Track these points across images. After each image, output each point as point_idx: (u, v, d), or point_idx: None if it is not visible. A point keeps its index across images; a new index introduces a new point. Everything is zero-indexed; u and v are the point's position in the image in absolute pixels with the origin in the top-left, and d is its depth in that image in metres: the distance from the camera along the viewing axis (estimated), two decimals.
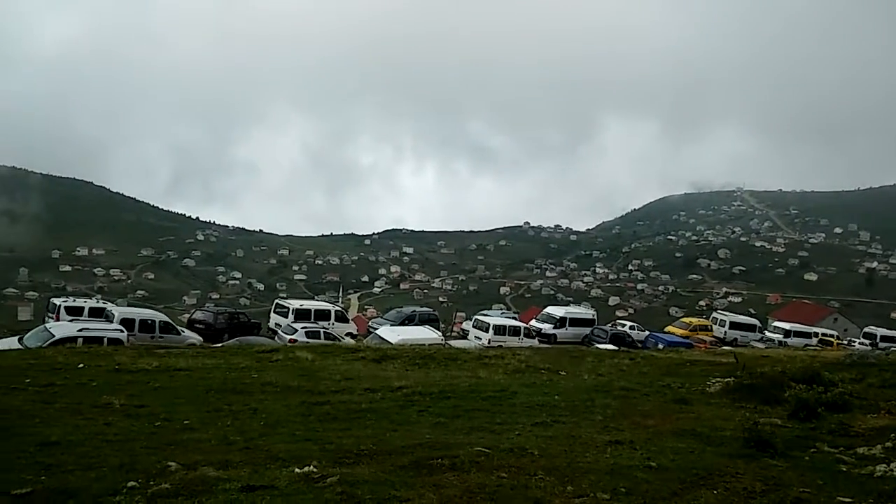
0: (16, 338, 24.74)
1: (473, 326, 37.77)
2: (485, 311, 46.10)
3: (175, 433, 9.90)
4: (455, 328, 44.54)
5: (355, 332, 35.89)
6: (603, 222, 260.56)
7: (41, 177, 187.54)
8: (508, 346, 29.32)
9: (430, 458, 8.40)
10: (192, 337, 29.11)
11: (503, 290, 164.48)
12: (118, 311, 30.67)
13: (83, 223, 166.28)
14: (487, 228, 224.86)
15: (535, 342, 35.03)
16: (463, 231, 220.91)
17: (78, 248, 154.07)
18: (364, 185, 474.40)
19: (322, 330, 31.71)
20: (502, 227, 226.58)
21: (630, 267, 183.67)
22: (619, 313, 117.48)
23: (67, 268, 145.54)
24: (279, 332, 32.05)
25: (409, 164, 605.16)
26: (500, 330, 35.90)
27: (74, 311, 29.52)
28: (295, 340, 28.61)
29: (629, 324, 48.72)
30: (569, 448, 9.55)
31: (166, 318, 30.16)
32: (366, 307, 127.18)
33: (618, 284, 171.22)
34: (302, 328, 30.98)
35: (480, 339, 35.30)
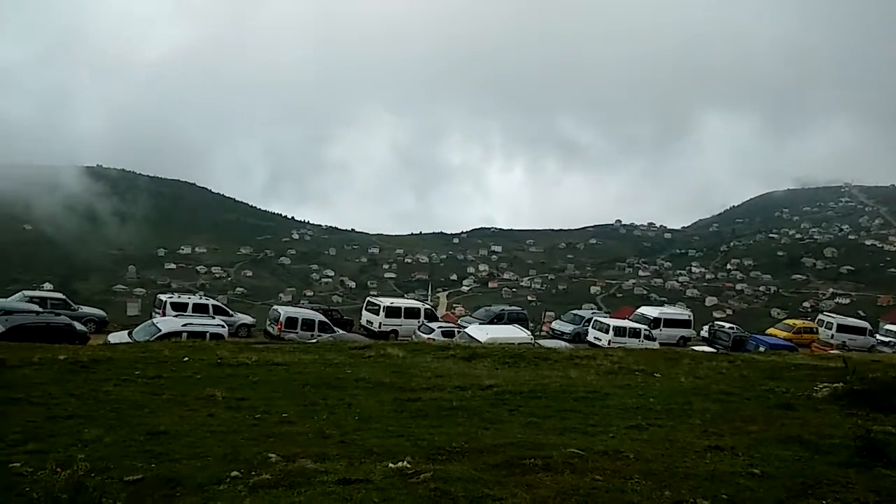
0: (126, 332, 26.26)
1: (592, 328, 37.32)
2: (574, 311, 45.44)
3: (274, 426, 10.21)
4: (544, 327, 44.10)
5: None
6: (700, 220, 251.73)
7: (149, 179, 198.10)
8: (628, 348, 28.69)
9: (522, 458, 8.32)
10: (351, 337, 29.88)
11: (593, 289, 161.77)
12: (283, 310, 32.01)
13: (187, 223, 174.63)
14: (577, 227, 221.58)
15: (655, 344, 34.20)
16: (552, 229, 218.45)
17: (182, 247, 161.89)
18: (453, 184, 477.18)
19: (456, 329, 32.19)
20: (592, 225, 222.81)
21: (728, 266, 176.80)
22: (716, 314, 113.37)
23: (172, 265, 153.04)
24: (417, 331, 32.43)
25: (497, 162, 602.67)
26: (620, 331, 35.37)
27: (179, 307, 31.01)
28: (433, 339, 29.05)
29: (727, 325, 46.94)
30: (666, 452, 9.24)
31: (324, 318, 31.45)
32: (454, 305, 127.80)
33: (715, 284, 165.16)
34: (438, 328, 31.59)
35: (600, 340, 34.84)
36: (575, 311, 45.07)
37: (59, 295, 33.29)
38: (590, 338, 36.55)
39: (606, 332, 35.48)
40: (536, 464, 8.09)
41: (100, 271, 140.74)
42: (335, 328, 31.62)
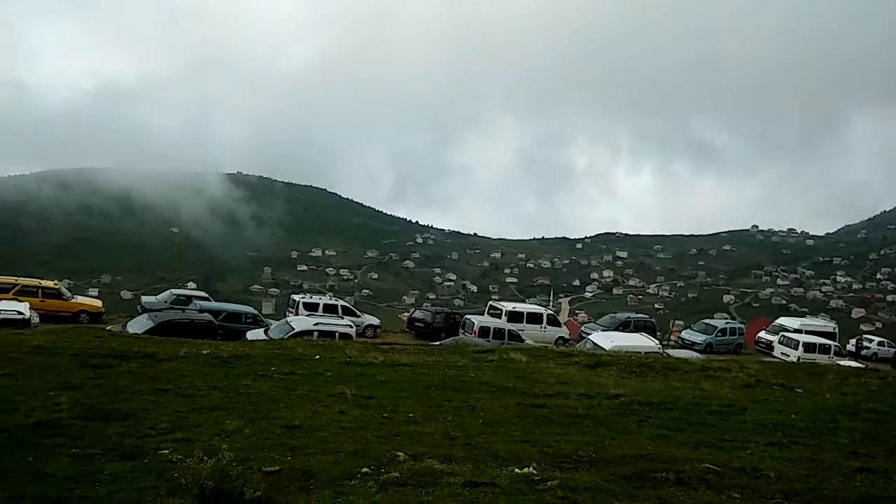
0: (262, 330, 27.64)
1: (779, 343, 35.44)
2: (706, 320, 43.43)
3: (401, 425, 10.40)
4: (672, 337, 42.43)
5: (567, 337, 35.55)
6: (846, 225, 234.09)
7: (283, 185, 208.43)
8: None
9: (653, 471, 8.03)
10: (473, 340, 29.94)
11: (726, 298, 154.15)
12: (476, 319, 32.19)
13: (318, 227, 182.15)
14: (709, 232, 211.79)
15: (853, 363, 31.40)
16: (682, 235, 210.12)
17: (313, 250, 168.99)
18: (577, 188, 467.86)
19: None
20: (726, 230, 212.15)
21: (879, 276, 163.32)
22: (863, 327, 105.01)
23: (304, 267, 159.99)
24: (588, 338, 31.74)
25: (624, 165, 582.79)
26: (810, 347, 33.57)
27: (311, 307, 32.23)
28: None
29: (877, 339, 43.34)
30: (810, 472, 8.64)
31: (515, 329, 31.89)
32: (577, 312, 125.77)
33: (863, 295, 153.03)
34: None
35: (788, 356, 33.13)
36: (707, 321, 43.01)
37: (203, 293, 35.53)
38: (776, 353, 34.53)
39: (796, 347, 33.53)
40: (668, 478, 7.78)
41: (238, 271, 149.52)
42: (525, 338, 31.45)
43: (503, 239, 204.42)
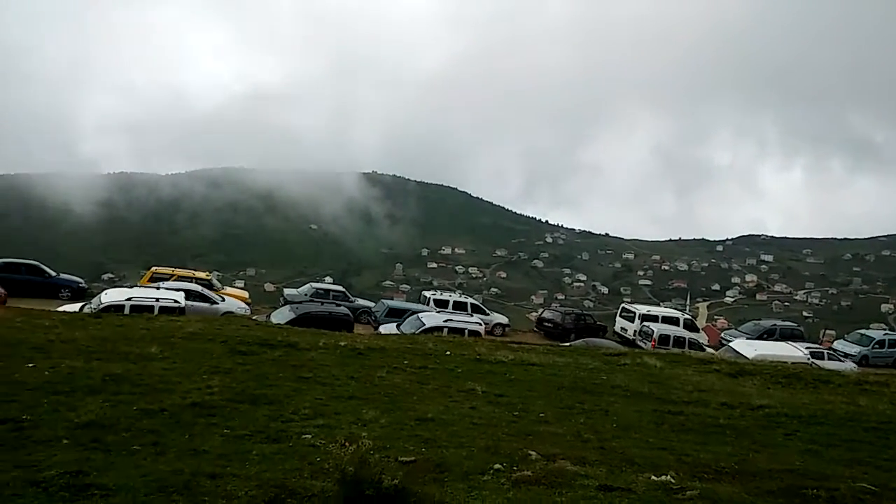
0: (394, 324, 28.42)
1: None
2: (861, 330, 40.17)
3: (532, 424, 10.33)
4: (823, 347, 39.57)
5: (706, 343, 34.03)
6: None
7: (416, 184, 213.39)
8: None
9: (802, 487, 7.51)
10: (605, 343, 29.52)
11: (885, 307, 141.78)
12: (656, 327, 32.00)
13: (448, 225, 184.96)
14: (867, 236, 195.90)
15: None
16: (835, 238, 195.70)
17: (443, 248, 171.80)
18: (718, 187, 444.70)
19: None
20: (886, 234, 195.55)
21: None
22: None
23: (434, 265, 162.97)
24: (729, 345, 30.36)
25: (771, 163, 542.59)
26: None
27: (441, 304, 32.78)
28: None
29: None
30: None
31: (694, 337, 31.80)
32: (716, 317, 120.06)
33: None
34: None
35: None
36: (863, 331, 39.77)
37: (340, 288, 37.01)
38: None
39: None
40: (819, 495, 7.27)
41: (372, 268, 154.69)
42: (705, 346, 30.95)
43: (636, 240, 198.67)
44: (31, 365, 11.27)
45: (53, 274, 30.25)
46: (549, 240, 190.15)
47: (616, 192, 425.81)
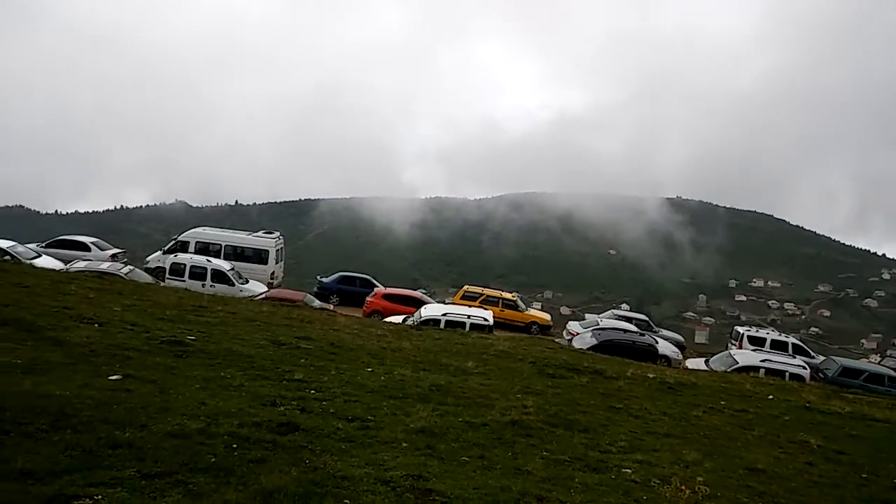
0: (702, 360, 26.77)
1: None
2: None
3: (886, 491, 8.87)
4: None
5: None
6: None
7: (724, 210, 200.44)
8: None
9: None
10: None
11: None
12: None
13: (760, 255, 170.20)
14: None
15: None
16: None
17: (753, 279, 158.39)
18: None
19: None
20: None
21: None
22: None
23: (742, 297, 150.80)
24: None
25: None
26: None
27: (757, 342, 30.15)
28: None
29: None
30: None
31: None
32: None
33: None
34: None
35: None
36: None
37: (643, 316, 35.95)
38: None
39: None
40: None
41: (672, 297, 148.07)
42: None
43: None
44: (369, 370, 12.56)
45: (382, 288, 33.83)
46: (887, 276, 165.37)
47: None
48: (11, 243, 27.36)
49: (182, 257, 28.83)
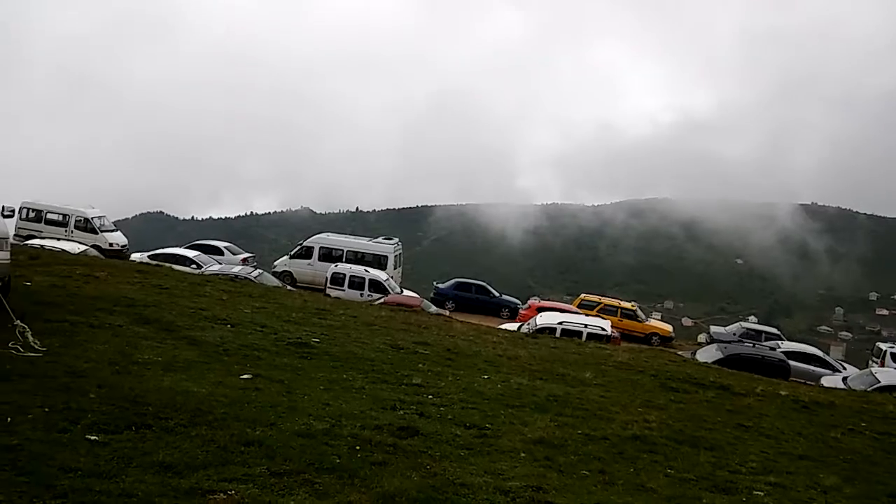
0: (840, 377, 25.05)
1: None
2: None
3: None
4: None
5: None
6: None
7: (866, 217, 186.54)
8: None
9: None
10: None
11: None
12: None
13: None
14: None
15: None
16: None
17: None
18: None
19: None
20: None
21: None
22: None
23: (884, 311, 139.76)
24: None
25: None
26: None
27: None
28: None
29: None
30: None
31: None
32: None
33: None
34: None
35: None
36: None
37: (774, 330, 34.10)
38: None
39: None
40: None
41: (804, 310, 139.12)
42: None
43: None
44: (485, 377, 12.57)
45: (497, 294, 33.87)
46: None
47: None
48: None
49: (342, 267, 30.17)
